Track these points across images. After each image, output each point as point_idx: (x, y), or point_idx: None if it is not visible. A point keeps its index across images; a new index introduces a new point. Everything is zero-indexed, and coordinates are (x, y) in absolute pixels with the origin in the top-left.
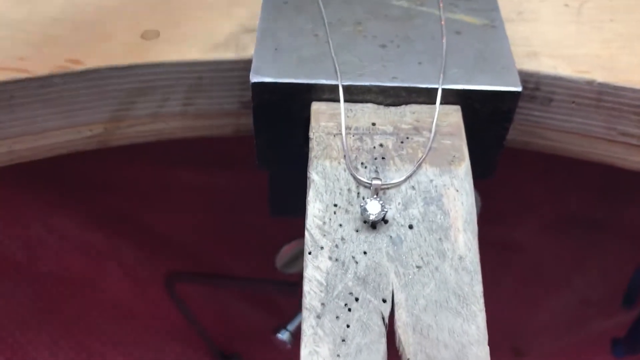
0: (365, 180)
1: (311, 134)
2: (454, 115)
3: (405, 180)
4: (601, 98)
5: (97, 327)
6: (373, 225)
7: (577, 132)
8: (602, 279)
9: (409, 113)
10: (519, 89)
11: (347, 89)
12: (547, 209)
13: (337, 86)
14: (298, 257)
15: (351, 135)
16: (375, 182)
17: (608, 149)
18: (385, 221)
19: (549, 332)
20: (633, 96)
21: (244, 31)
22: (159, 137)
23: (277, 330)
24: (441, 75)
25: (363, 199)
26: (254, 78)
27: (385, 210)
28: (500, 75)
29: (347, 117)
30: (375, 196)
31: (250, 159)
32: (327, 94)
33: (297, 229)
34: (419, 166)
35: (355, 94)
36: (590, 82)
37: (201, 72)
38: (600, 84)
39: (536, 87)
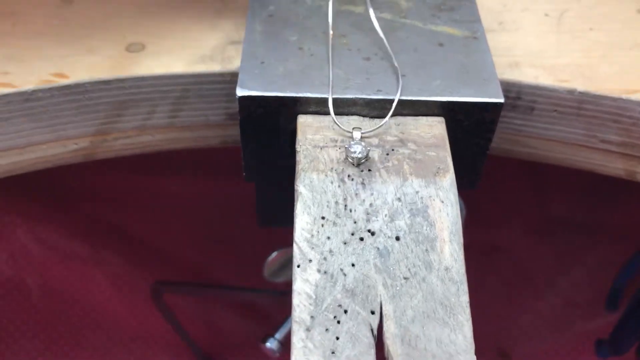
0: (346, 130)
1: (298, 147)
2: (438, 127)
3: (379, 127)
4: (582, 107)
5: (84, 338)
6: (357, 164)
7: (558, 140)
8: (586, 280)
9: (394, 125)
10: (501, 100)
11: (333, 101)
12: (531, 211)
13: (323, 99)
14: (286, 265)
15: (337, 148)
16: (355, 132)
17: (589, 156)
18: (372, 233)
19: (534, 334)
20: (613, 104)
21: (229, 43)
22: (145, 149)
23: (265, 339)
24: (397, 87)
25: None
26: (241, 92)
27: (368, 149)
28: (482, 87)
29: (333, 129)
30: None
31: (236, 167)
32: (314, 106)
33: (284, 237)
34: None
35: (341, 107)
36: (571, 91)
37: (187, 85)
38: (581, 93)
39: (518, 96)
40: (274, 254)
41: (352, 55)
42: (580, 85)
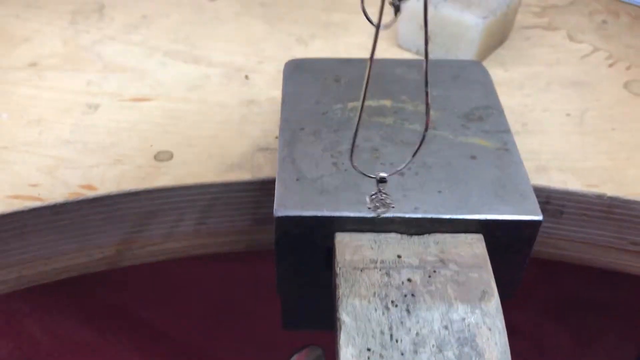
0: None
1: (337, 269)
2: (478, 245)
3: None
4: (611, 210)
5: None
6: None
7: (587, 242)
8: None
9: (433, 243)
10: (540, 217)
11: (370, 220)
12: (545, 291)
13: (361, 218)
14: None
15: (378, 270)
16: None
17: (619, 257)
18: None
19: None
20: None
21: (257, 150)
22: (170, 255)
23: None
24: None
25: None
26: (279, 212)
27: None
28: (520, 204)
29: (372, 249)
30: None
31: (254, 252)
32: (351, 224)
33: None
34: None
35: (378, 225)
36: (600, 196)
37: (216, 194)
38: (611, 198)
39: (547, 200)
40: (295, 356)
41: (385, 170)
42: (609, 189)
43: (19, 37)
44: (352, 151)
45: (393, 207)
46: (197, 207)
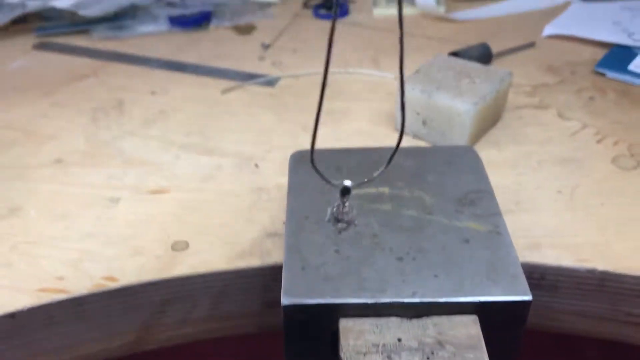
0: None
1: (342, 354)
2: (472, 326)
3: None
4: (604, 284)
5: None
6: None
7: (584, 314)
8: None
9: (431, 326)
10: (529, 298)
11: (372, 306)
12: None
13: (362, 304)
14: None
15: (379, 353)
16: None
17: (616, 328)
18: None
19: None
20: (634, 282)
21: (266, 236)
22: (186, 339)
23: None
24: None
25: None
26: (286, 301)
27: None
28: (511, 285)
29: (374, 333)
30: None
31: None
32: (353, 310)
33: None
34: None
35: (379, 309)
36: (591, 271)
37: (228, 280)
38: (602, 272)
39: (542, 277)
40: None
41: (385, 256)
42: (600, 264)
43: (45, 135)
44: (312, 153)
45: (356, 224)
46: (210, 293)
